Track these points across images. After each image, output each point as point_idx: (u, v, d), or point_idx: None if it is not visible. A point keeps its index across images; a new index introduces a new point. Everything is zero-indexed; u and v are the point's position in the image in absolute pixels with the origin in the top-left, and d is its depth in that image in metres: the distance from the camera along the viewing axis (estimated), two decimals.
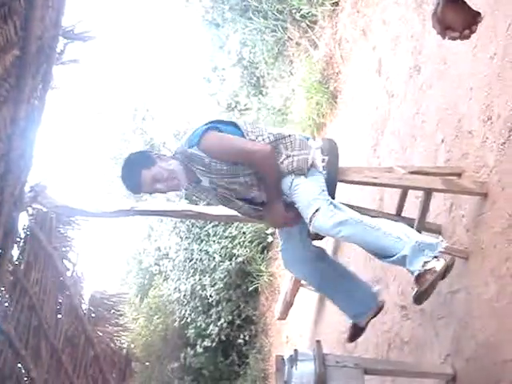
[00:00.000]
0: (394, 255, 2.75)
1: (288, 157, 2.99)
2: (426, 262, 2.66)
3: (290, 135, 3.05)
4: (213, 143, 2.97)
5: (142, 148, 8.29)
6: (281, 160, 2.99)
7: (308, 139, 3.14)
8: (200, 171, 3.05)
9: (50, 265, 5.07)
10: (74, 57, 4.30)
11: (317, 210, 2.80)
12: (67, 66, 4.31)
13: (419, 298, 2.78)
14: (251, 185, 3.04)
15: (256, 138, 3.01)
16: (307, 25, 6.71)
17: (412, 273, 2.70)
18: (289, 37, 6.93)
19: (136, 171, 3.02)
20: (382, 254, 2.82)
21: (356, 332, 3.29)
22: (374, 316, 3.26)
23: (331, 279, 3.26)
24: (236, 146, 2.98)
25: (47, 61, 3.75)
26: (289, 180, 2.96)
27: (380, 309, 3.25)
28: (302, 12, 6.70)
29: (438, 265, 2.65)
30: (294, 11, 6.86)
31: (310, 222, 2.82)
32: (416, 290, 2.72)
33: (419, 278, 2.67)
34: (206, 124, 3.03)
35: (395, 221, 3.30)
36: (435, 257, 2.68)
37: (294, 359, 2.82)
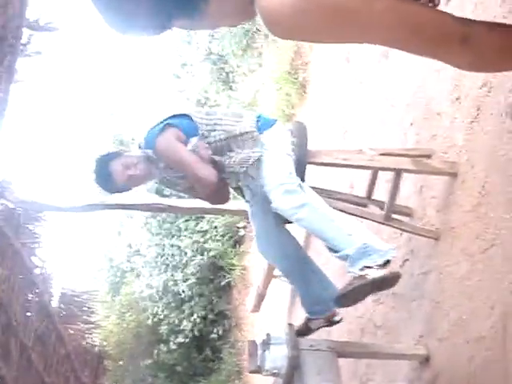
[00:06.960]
0: (338, 251, 2.76)
1: (238, 154, 3.02)
2: (365, 267, 2.64)
3: (242, 134, 3.02)
4: (164, 151, 2.99)
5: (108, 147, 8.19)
6: (232, 156, 3.02)
7: (275, 121, 3.17)
8: (160, 169, 3.13)
9: (18, 261, 4.98)
10: (39, 48, 4.22)
11: (283, 192, 2.85)
12: (32, 58, 4.23)
13: (338, 301, 2.78)
14: None
15: (209, 135, 3.01)
16: None
17: (350, 273, 2.70)
18: (257, 28, 6.89)
19: (104, 165, 3.09)
20: (329, 246, 2.84)
21: (304, 331, 3.20)
22: (327, 326, 3.22)
23: (299, 270, 3.24)
24: (183, 163, 2.97)
25: (11, 52, 3.68)
26: (255, 165, 2.99)
27: (334, 322, 3.20)
28: None
29: (374, 274, 2.62)
30: None
31: (274, 202, 2.88)
32: (339, 292, 2.71)
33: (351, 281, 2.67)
34: (161, 122, 3.02)
35: (364, 206, 3.32)
36: (380, 265, 2.64)
37: (266, 343, 2.80)
